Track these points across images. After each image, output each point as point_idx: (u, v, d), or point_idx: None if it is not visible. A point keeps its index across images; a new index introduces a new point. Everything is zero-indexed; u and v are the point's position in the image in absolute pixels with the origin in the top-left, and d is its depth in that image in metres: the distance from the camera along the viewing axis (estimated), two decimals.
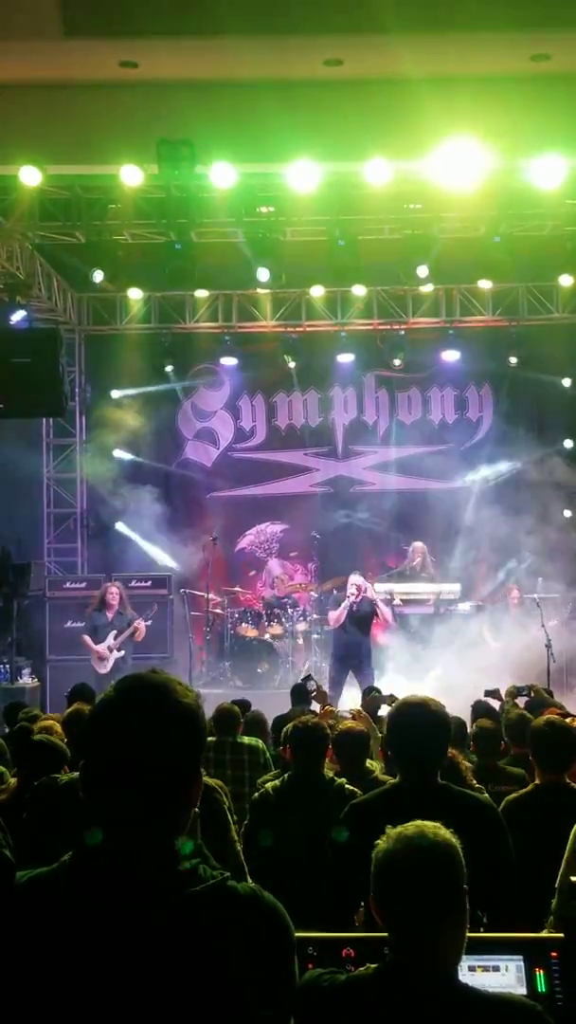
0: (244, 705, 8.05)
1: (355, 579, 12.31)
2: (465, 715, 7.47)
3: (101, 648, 12.22)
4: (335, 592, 13.09)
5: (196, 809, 1.93)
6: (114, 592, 12.56)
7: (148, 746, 1.84)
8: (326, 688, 11.52)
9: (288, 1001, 1.89)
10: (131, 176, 10.12)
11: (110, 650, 12.19)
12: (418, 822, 2.23)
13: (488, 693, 8.82)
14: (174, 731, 1.87)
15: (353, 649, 12.14)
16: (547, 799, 4.47)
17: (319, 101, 9.15)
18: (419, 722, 3.61)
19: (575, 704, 9.32)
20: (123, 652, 12.21)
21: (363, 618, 12.16)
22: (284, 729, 5.99)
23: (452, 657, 12.55)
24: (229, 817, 5.10)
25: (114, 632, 12.31)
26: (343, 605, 12.15)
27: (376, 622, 12.64)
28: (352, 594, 12.08)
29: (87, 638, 12.41)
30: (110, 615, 12.44)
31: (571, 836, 3.91)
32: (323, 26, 8.34)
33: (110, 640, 12.26)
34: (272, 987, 1.84)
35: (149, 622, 12.80)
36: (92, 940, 1.75)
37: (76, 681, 9.11)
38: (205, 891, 1.80)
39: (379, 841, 2.23)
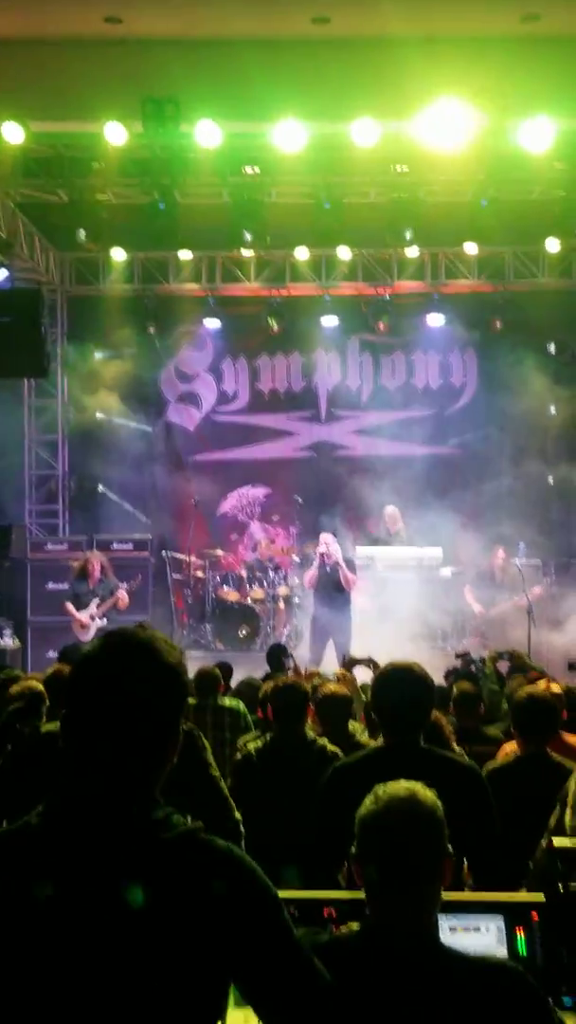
0: (225, 667, 8.05)
1: (323, 537, 12.31)
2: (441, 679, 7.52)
3: (83, 616, 12.16)
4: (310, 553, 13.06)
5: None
6: (95, 563, 12.46)
7: (129, 701, 1.88)
8: (307, 654, 11.56)
9: (286, 953, 1.91)
10: (115, 134, 10.01)
11: (92, 618, 12.15)
12: (403, 781, 2.24)
13: (459, 655, 8.89)
14: (156, 688, 1.91)
15: (329, 611, 12.06)
16: (528, 770, 4.53)
17: (306, 59, 9.07)
18: (403, 685, 3.67)
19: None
20: (105, 620, 12.16)
21: (336, 579, 12.11)
22: (263, 689, 6.02)
23: (430, 621, 12.59)
24: (207, 753, 5.11)
25: (96, 600, 12.26)
26: (314, 565, 12.15)
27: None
28: (322, 552, 12.07)
29: (69, 606, 12.32)
30: (92, 583, 12.38)
31: (572, 786, 3.88)
32: None
33: (92, 608, 12.22)
34: (253, 936, 1.87)
35: (130, 587, 12.74)
36: (67, 882, 1.78)
37: (58, 642, 9.09)
38: (176, 838, 1.84)
39: (366, 799, 2.24)
